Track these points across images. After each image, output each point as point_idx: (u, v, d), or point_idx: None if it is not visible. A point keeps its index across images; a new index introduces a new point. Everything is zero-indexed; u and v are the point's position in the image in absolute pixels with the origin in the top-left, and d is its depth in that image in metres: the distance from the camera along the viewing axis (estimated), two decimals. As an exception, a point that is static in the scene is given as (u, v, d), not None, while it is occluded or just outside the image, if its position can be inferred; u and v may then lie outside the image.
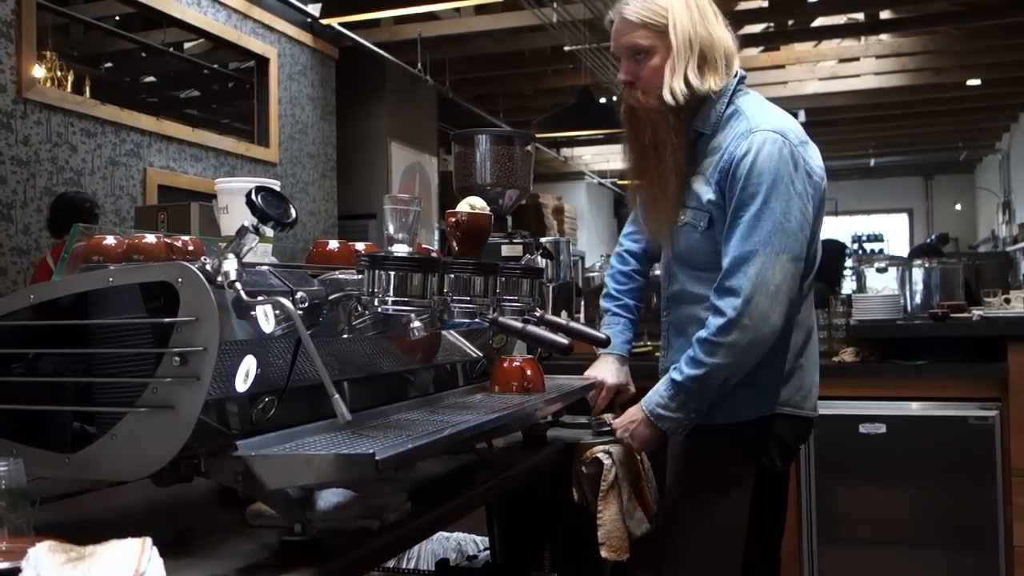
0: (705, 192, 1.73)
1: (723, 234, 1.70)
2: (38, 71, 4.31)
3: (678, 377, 1.74)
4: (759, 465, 1.81)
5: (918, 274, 3.61)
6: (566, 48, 6.11)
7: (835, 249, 5.17)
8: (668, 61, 1.71)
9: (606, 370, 2.02)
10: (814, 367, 1.86)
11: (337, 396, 1.13)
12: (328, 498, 1.30)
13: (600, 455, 1.82)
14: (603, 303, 2.12)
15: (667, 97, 1.70)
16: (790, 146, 1.68)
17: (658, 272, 2.01)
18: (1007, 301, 3.33)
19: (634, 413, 1.81)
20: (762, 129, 1.68)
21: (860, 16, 7.15)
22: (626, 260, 2.10)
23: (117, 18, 5.77)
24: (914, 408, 2.91)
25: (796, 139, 1.71)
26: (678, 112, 1.72)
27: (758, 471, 1.81)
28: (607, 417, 1.98)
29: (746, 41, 7.28)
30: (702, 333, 1.70)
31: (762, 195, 1.65)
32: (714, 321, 1.68)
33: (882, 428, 2.90)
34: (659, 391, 1.77)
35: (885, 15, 7.14)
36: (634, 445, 1.82)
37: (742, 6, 6.57)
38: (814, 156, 1.76)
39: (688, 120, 1.74)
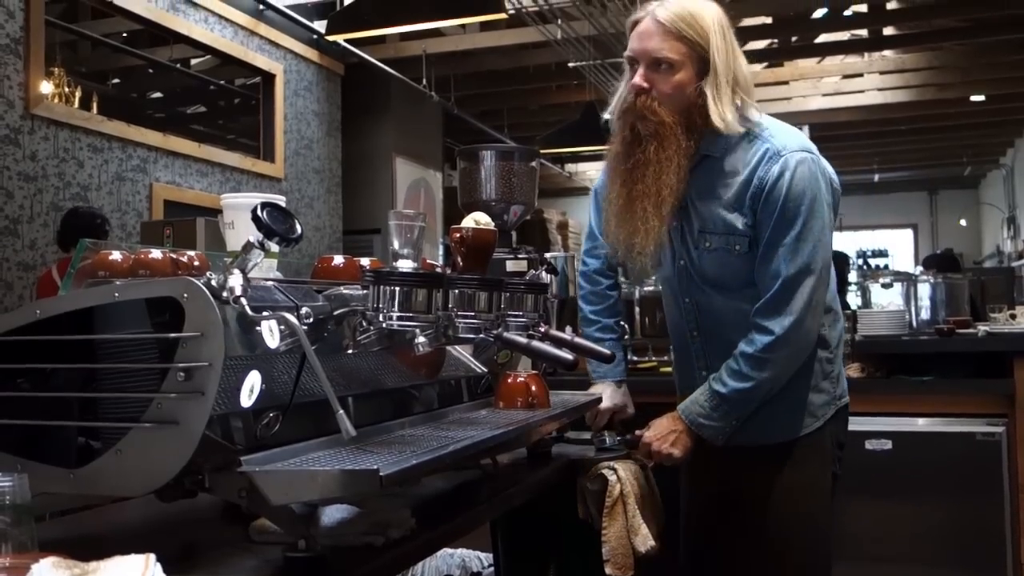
0: (734, 218, 1.72)
1: (761, 255, 1.70)
2: (46, 87, 4.34)
3: (722, 389, 1.74)
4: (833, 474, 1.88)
5: (923, 289, 3.61)
6: (571, 64, 6.13)
7: (839, 259, 5.17)
8: (709, 86, 1.67)
9: (603, 393, 2.03)
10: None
11: (341, 412, 1.13)
12: (332, 514, 1.30)
13: (605, 471, 1.81)
14: (583, 329, 2.09)
15: (717, 123, 1.66)
16: (819, 163, 1.71)
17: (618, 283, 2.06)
18: (1012, 317, 3.32)
19: (674, 424, 1.78)
20: (791, 150, 1.68)
21: (864, 32, 7.18)
22: (594, 280, 2.07)
23: (125, 35, 5.81)
24: (920, 424, 2.90)
25: (818, 154, 1.74)
26: (690, 133, 1.69)
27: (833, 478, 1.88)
28: (607, 435, 1.97)
29: (750, 57, 7.27)
30: (747, 349, 1.71)
31: (803, 217, 1.67)
32: (761, 338, 1.69)
33: (888, 444, 2.89)
34: (699, 402, 1.76)
35: (888, 31, 7.17)
36: (676, 454, 1.77)
37: (746, 22, 6.59)
38: (829, 166, 1.80)
39: (696, 143, 1.71)
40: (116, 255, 1.30)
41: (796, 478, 1.80)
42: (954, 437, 2.85)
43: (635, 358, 3.87)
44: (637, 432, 1.85)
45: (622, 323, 2.12)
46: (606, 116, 1.85)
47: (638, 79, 1.70)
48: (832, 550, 1.85)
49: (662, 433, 1.79)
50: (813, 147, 1.74)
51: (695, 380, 1.86)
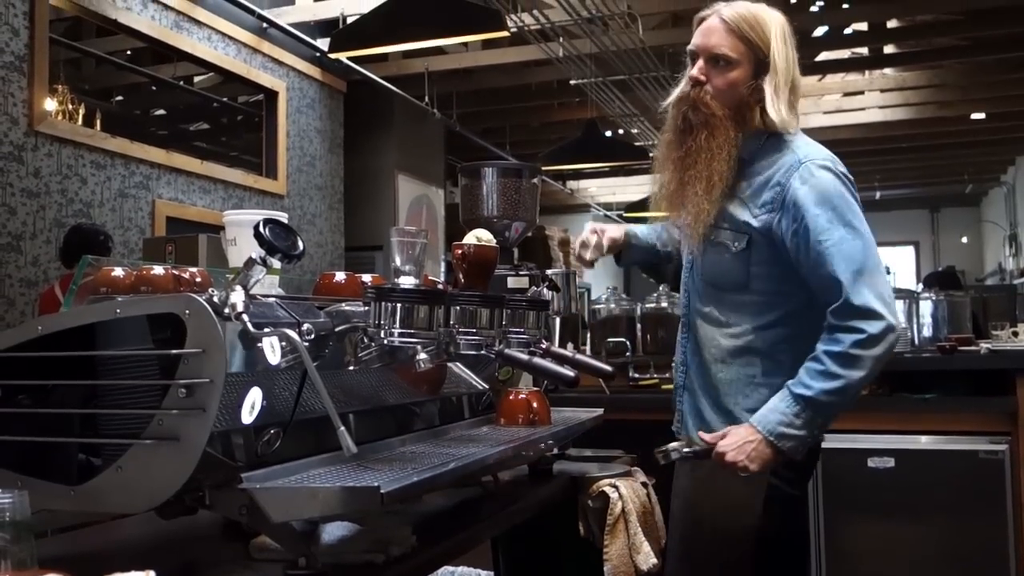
0: (743, 214, 1.76)
1: (804, 261, 1.70)
2: (50, 104, 4.37)
3: (807, 392, 1.65)
4: (769, 487, 1.75)
5: (925, 307, 3.60)
6: (572, 82, 6.16)
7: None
8: (769, 84, 1.74)
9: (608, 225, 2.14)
10: None
11: (343, 428, 1.12)
12: (333, 531, 1.30)
13: (607, 489, 1.81)
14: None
15: (774, 117, 1.73)
16: (841, 168, 1.77)
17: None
18: (1015, 334, 3.32)
19: (747, 434, 1.68)
20: (814, 160, 1.73)
21: (864, 51, 7.21)
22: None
23: (128, 52, 5.84)
24: (923, 442, 2.89)
25: (841, 164, 1.80)
26: (739, 127, 1.75)
27: (768, 495, 1.75)
28: (673, 446, 1.79)
29: (751, 75, 7.33)
30: (833, 347, 1.65)
31: (841, 219, 1.68)
32: (849, 337, 1.64)
33: (891, 462, 2.88)
34: (779, 409, 1.67)
35: (889, 49, 7.19)
36: (752, 468, 1.67)
37: (747, 41, 6.62)
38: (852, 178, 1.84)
39: (744, 137, 1.77)
40: (118, 271, 1.30)
41: (711, 493, 1.78)
42: (957, 455, 2.84)
43: (636, 375, 3.87)
44: (708, 437, 1.73)
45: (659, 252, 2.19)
46: (662, 105, 1.89)
47: (696, 71, 1.77)
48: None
49: (738, 443, 1.68)
50: (836, 159, 1.79)
51: (679, 375, 1.93)
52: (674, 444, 1.77)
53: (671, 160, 1.82)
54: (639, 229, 2.21)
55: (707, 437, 1.73)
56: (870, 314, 1.63)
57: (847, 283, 1.65)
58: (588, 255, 2.08)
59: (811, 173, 1.71)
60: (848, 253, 1.66)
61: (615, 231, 2.12)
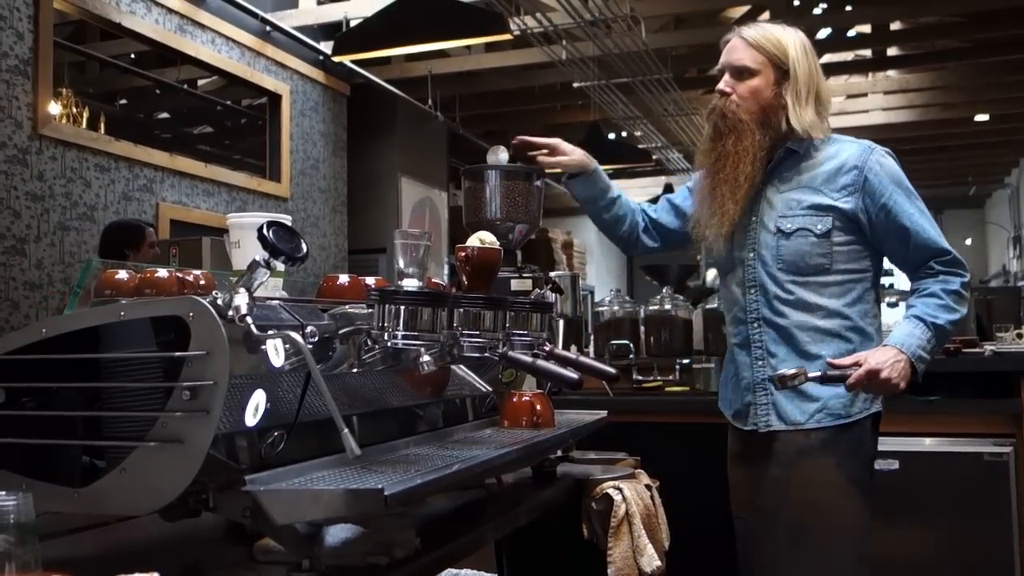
0: (821, 199, 1.92)
1: (892, 234, 1.92)
2: (54, 108, 4.37)
3: (938, 321, 1.87)
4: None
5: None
6: (575, 84, 6.16)
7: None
8: (790, 93, 1.92)
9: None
10: None
11: (346, 431, 1.12)
12: (337, 534, 1.30)
13: (610, 491, 1.81)
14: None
15: (795, 125, 1.91)
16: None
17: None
18: (1019, 336, 3.31)
19: (895, 355, 1.82)
20: (876, 147, 1.96)
21: (867, 53, 7.20)
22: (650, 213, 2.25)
23: (132, 56, 5.86)
24: (927, 444, 2.88)
25: None
26: (765, 130, 1.93)
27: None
28: (831, 361, 1.85)
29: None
30: (949, 287, 1.90)
31: (913, 195, 1.94)
32: (957, 279, 1.91)
33: (895, 464, 2.87)
34: (915, 335, 1.85)
35: (892, 52, 7.19)
36: (902, 385, 1.82)
37: (750, 43, 6.62)
38: None
39: (771, 139, 1.94)
40: (122, 274, 1.31)
41: (840, 466, 1.90)
42: (961, 457, 2.83)
43: (640, 378, 3.86)
44: (840, 361, 1.82)
45: (633, 220, 2.22)
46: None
47: (722, 84, 1.98)
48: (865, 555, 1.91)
49: (889, 362, 1.81)
50: None
51: (751, 374, 1.98)
52: (791, 371, 1.82)
53: (705, 166, 2.01)
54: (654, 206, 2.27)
55: (839, 361, 1.82)
56: (963, 265, 1.94)
57: (944, 243, 1.94)
58: (548, 159, 2.14)
59: (882, 157, 1.95)
60: (931, 222, 1.94)
61: (580, 157, 2.19)
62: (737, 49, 1.97)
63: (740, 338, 2.01)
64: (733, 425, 2.08)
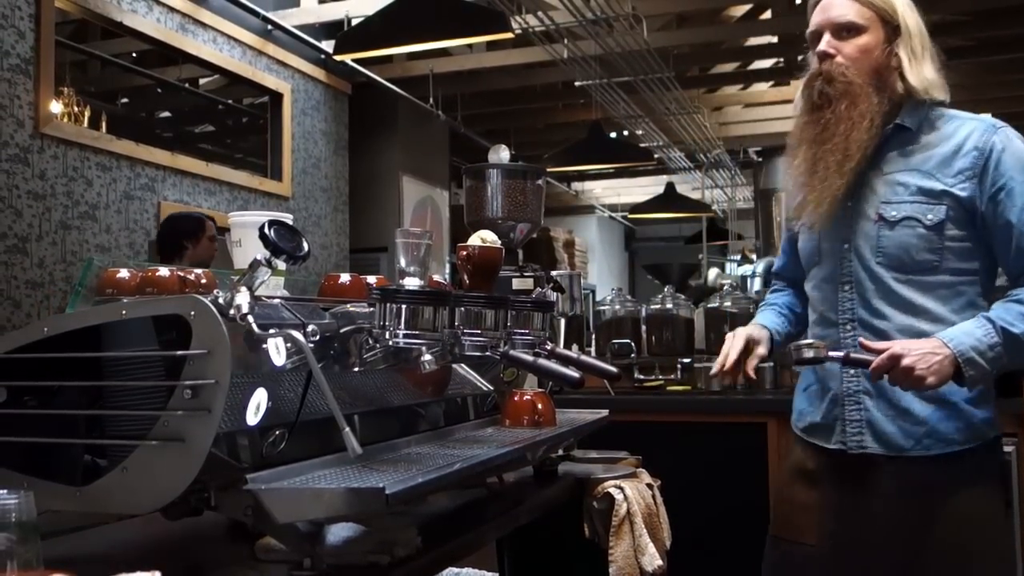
0: (933, 184, 1.64)
1: (1007, 225, 1.61)
2: (55, 107, 4.37)
3: (1012, 329, 1.56)
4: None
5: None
6: (577, 83, 6.15)
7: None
8: (903, 48, 1.66)
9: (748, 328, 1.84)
10: None
11: (348, 430, 1.12)
12: (338, 532, 1.30)
13: (612, 490, 1.81)
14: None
15: (915, 82, 1.66)
16: None
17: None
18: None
19: (933, 347, 1.55)
20: (1003, 125, 1.69)
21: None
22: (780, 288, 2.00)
23: (134, 55, 5.86)
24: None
25: None
26: (882, 94, 1.66)
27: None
28: (808, 346, 1.65)
29: (756, 76, 7.33)
30: None
31: None
32: None
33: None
34: (974, 334, 1.56)
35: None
36: (931, 382, 1.54)
37: (752, 41, 6.62)
38: None
39: (889, 103, 1.67)
40: (124, 273, 1.31)
41: (971, 497, 1.64)
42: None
43: (641, 377, 3.86)
44: (873, 345, 1.58)
45: (799, 315, 1.92)
46: (796, 97, 1.80)
47: (823, 46, 1.69)
48: None
49: (921, 352, 1.54)
50: None
51: (839, 384, 1.71)
52: (807, 341, 1.66)
53: (805, 140, 1.72)
54: (771, 320, 1.91)
55: (873, 344, 1.58)
56: None
57: None
58: (727, 382, 1.92)
59: (1009, 138, 1.66)
60: None
61: (758, 347, 1.80)
62: (837, 5, 1.69)
63: (829, 342, 1.70)
64: (805, 440, 1.79)
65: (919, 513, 1.64)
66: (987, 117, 1.70)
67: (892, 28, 1.68)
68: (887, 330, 1.65)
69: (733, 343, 1.78)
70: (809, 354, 1.63)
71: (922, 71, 1.67)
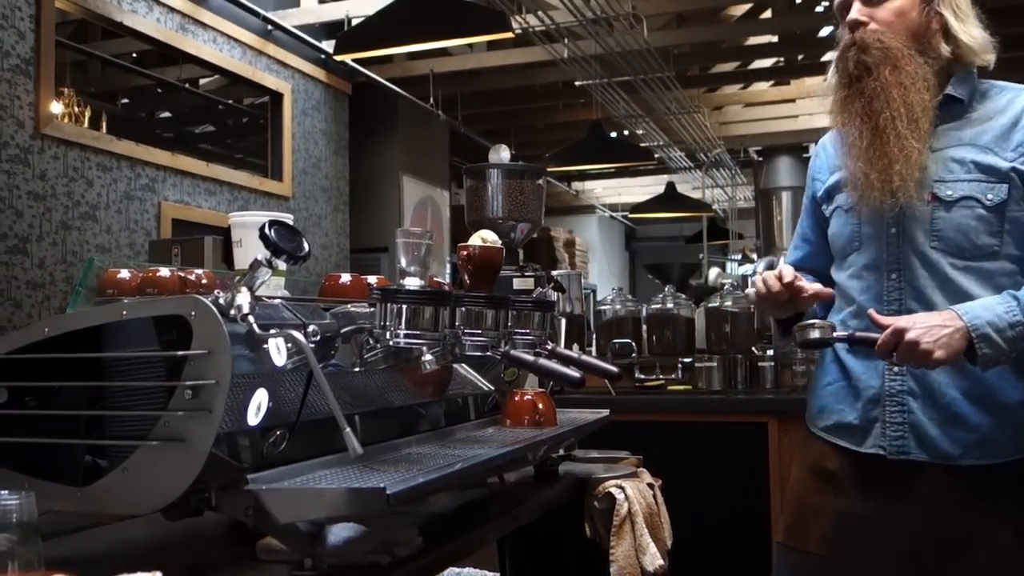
0: (993, 159, 1.49)
1: None
2: (56, 107, 4.38)
3: None
4: None
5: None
6: (577, 83, 6.15)
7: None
8: (946, 6, 1.52)
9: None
10: None
11: (348, 430, 1.12)
12: (339, 533, 1.29)
13: (612, 490, 1.81)
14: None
15: (965, 39, 1.51)
16: None
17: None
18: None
19: (943, 319, 1.42)
20: None
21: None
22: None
23: (134, 55, 5.86)
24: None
25: None
26: (926, 57, 1.52)
27: None
28: (814, 325, 1.52)
29: (756, 76, 7.32)
30: None
31: None
32: None
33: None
34: (994, 310, 1.42)
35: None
36: (939, 356, 1.40)
37: (751, 41, 6.62)
38: None
39: (934, 67, 1.52)
40: (124, 273, 1.31)
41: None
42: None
43: (642, 376, 3.86)
44: (883, 319, 1.45)
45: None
46: (829, 74, 1.64)
47: (854, 13, 1.55)
48: None
49: (927, 324, 1.41)
50: None
51: (880, 382, 1.54)
52: (812, 322, 1.51)
53: (853, 114, 1.54)
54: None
55: (880, 319, 1.45)
56: None
57: None
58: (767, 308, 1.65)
59: None
60: None
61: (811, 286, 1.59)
62: None
63: (841, 325, 1.56)
64: (826, 440, 1.63)
65: (965, 528, 1.48)
66: None
67: None
68: None
69: (768, 278, 1.56)
70: (814, 335, 1.50)
71: (971, 30, 1.52)
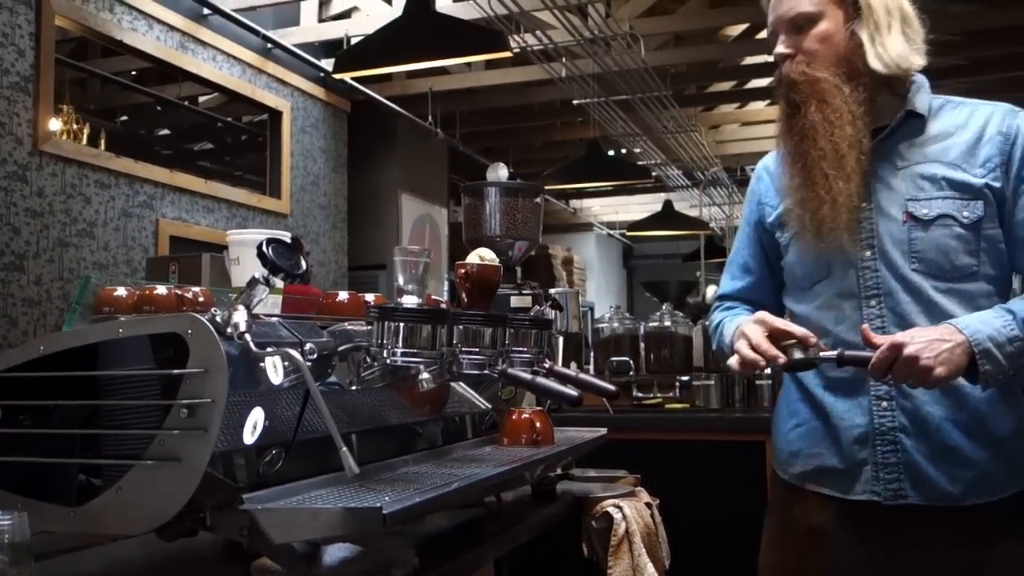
0: (964, 176, 1.43)
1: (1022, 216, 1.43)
2: (54, 124, 4.38)
3: None
4: None
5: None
6: (575, 102, 6.17)
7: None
8: (864, 27, 1.46)
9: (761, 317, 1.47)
10: None
11: (345, 449, 1.12)
12: (335, 553, 1.29)
13: (610, 509, 1.80)
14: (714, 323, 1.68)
15: (875, 65, 1.45)
16: None
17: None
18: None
19: (942, 334, 1.33)
20: (1020, 109, 1.49)
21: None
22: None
23: (134, 72, 5.88)
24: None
25: None
26: (854, 82, 1.46)
27: None
28: (796, 349, 1.39)
29: (752, 95, 7.36)
30: None
31: None
32: None
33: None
34: (993, 324, 1.34)
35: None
36: (940, 373, 1.31)
37: (748, 60, 6.65)
38: None
39: (868, 89, 1.47)
40: (121, 291, 1.30)
41: None
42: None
43: (640, 395, 3.85)
44: (876, 338, 1.34)
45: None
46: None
47: (780, 47, 1.51)
48: None
49: (926, 338, 1.32)
50: None
51: (868, 420, 1.44)
52: (801, 334, 1.38)
53: (788, 151, 1.52)
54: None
55: (873, 337, 1.35)
56: None
57: None
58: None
59: None
60: None
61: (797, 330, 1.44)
62: (785, 1, 1.50)
63: (848, 372, 1.45)
64: (804, 489, 1.51)
65: (978, 574, 1.40)
66: (1001, 103, 1.52)
67: (852, 5, 1.48)
68: None
69: (754, 336, 1.43)
70: (798, 354, 1.38)
71: (888, 45, 1.45)
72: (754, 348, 1.41)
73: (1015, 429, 1.43)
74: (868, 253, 1.46)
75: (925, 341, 1.32)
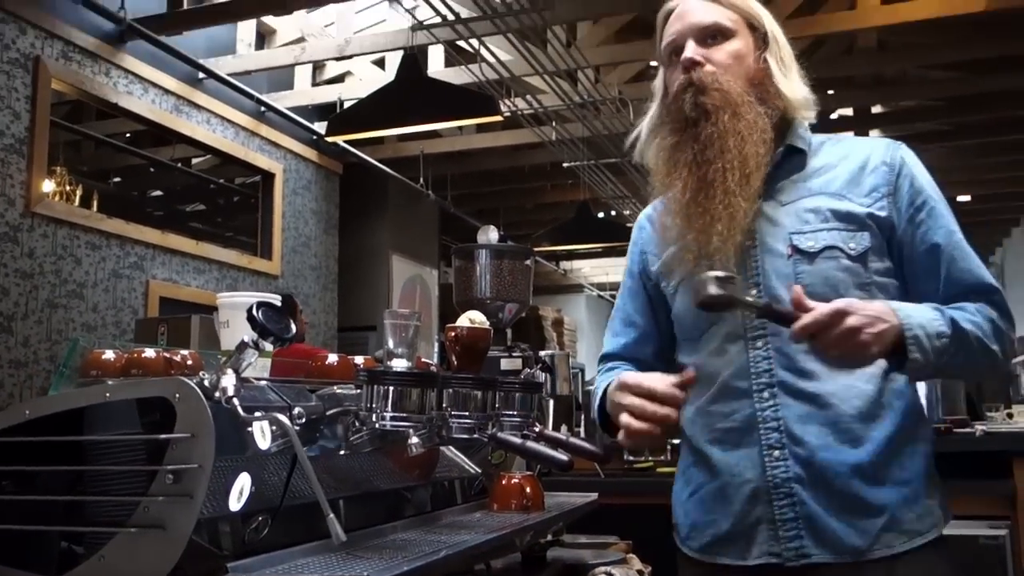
0: (850, 205, 1.35)
1: (928, 251, 1.35)
2: (48, 186, 4.41)
3: (964, 325, 1.27)
4: None
5: (920, 388, 3.59)
6: (565, 164, 6.26)
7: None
8: (772, 56, 1.41)
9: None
10: None
11: (332, 516, 1.10)
12: (320, 623, 1.26)
13: (602, 576, 1.77)
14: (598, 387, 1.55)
15: (787, 91, 1.39)
16: None
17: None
18: (1010, 416, 3.31)
19: (881, 311, 1.22)
20: (901, 143, 1.44)
21: (850, 135, 7.35)
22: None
23: (128, 135, 5.93)
24: (922, 526, 2.84)
25: None
26: (766, 107, 1.38)
27: None
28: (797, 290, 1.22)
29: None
30: (986, 312, 1.31)
31: (949, 208, 1.40)
32: (1006, 323, 1.34)
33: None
34: (925, 315, 1.26)
35: (874, 134, 7.35)
36: (873, 351, 1.21)
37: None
38: None
39: (774, 117, 1.39)
40: (109, 354, 1.30)
41: None
42: (957, 540, 2.79)
43: (631, 458, 3.82)
44: (809, 302, 1.19)
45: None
46: (634, 135, 1.55)
47: (690, 52, 1.39)
48: None
49: (869, 311, 1.21)
50: None
51: (759, 473, 1.30)
52: (717, 273, 1.21)
53: (679, 163, 1.39)
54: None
55: (808, 302, 1.20)
56: (1010, 315, 1.35)
57: (989, 277, 1.36)
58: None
59: (912, 154, 1.41)
60: (968, 249, 1.37)
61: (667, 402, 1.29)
62: (696, 9, 1.42)
63: (736, 421, 1.32)
64: (705, 563, 1.37)
65: None
66: (873, 140, 1.45)
67: (760, 36, 1.42)
68: (821, 395, 1.29)
69: (630, 399, 1.29)
70: (713, 290, 1.18)
71: (795, 85, 1.40)
72: (638, 415, 1.27)
73: (921, 470, 1.34)
74: (754, 292, 1.32)
75: (869, 316, 1.20)
